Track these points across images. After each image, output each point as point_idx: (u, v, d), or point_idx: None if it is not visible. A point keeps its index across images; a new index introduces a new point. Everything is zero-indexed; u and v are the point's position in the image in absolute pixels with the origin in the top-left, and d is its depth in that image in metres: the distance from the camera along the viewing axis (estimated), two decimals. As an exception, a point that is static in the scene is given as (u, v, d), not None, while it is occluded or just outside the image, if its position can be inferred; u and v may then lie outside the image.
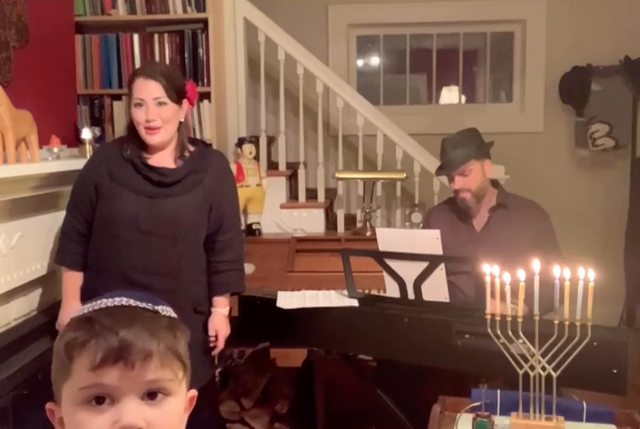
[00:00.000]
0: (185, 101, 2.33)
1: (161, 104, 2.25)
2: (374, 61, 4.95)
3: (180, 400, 0.87)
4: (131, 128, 2.33)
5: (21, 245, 2.31)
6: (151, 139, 2.27)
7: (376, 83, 4.87)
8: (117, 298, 0.87)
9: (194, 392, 0.94)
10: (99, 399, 0.82)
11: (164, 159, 2.33)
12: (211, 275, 2.39)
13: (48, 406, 0.88)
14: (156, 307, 0.89)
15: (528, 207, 2.71)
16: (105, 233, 2.31)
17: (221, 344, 2.38)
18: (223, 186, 2.39)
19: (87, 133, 2.89)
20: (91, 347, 0.81)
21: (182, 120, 2.34)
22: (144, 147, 2.32)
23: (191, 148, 2.37)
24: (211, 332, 2.37)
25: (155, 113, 2.24)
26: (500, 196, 2.73)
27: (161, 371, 0.83)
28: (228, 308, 2.44)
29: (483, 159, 2.67)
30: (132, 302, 0.87)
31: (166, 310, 0.90)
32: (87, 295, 2.35)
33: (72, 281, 2.38)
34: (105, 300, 0.88)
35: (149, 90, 2.24)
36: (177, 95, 2.28)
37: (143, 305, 0.88)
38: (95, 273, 2.35)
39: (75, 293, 2.36)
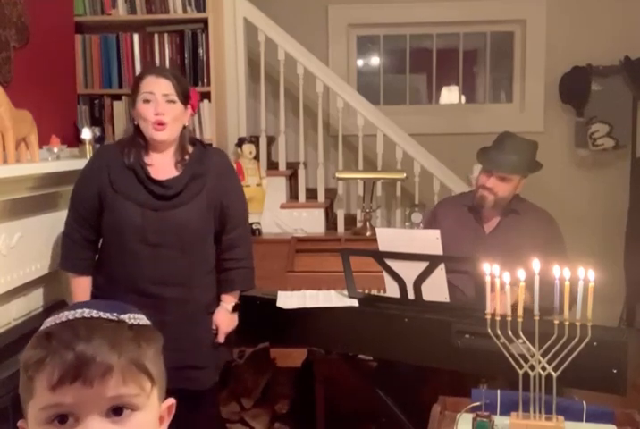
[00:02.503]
0: (189, 106, 2.34)
1: (170, 101, 2.25)
2: (374, 61, 4.94)
3: (149, 414, 0.84)
4: (134, 129, 2.32)
5: (20, 245, 2.31)
6: (158, 135, 2.26)
7: (376, 83, 4.86)
8: (79, 310, 0.84)
9: (172, 401, 0.91)
10: (62, 419, 0.79)
11: (164, 167, 2.31)
12: (218, 273, 2.40)
13: (19, 424, 0.86)
14: (122, 316, 0.85)
15: (538, 214, 2.71)
16: (114, 245, 2.31)
17: (221, 339, 2.39)
18: (226, 186, 2.38)
19: (87, 133, 2.89)
20: (47, 365, 0.79)
21: (186, 124, 2.34)
22: (146, 150, 2.31)
23: (190, 150, 2.37)
24: (212, 326, 2.38)
25: (165, 108, 2.24)
26: (513, 202, 2.72)
27: (124, 387, 0.80)
28: (233, 304, 2.44)
29: (524, 178, 2.69)
30: (94, 313, 0.84)
31: (134, 318, 0.86)
32: None
33: (81, 286, 2.37)
34: (66, 313, 0.85)
35: (160, 86, 2.25)
36: (184, 97, 2.29)
37: (107, 315, 0.84)
38: (106, 281, 2.35)
39: (85, 297, 2.35)
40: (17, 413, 2.29)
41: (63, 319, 0.84)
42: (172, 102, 2.26)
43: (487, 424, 1.79)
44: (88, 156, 2.81)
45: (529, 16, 4.57)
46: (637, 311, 4.37)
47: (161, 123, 2.24)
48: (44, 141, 2.54)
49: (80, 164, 2.61)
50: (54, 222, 2.56)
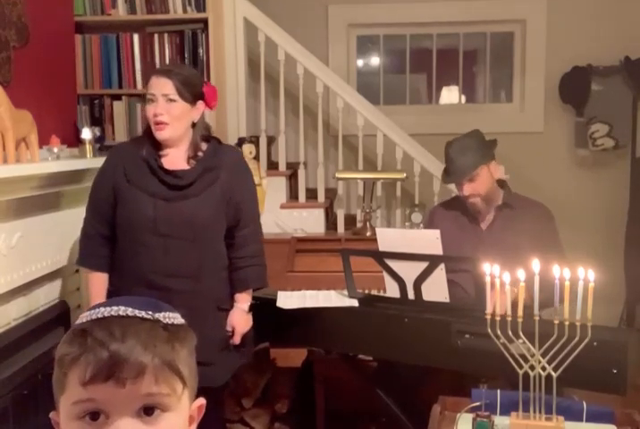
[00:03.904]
0: (200, 102, 2.35)
1: (170, 100, 2.28)
2: (374, 61, 4.94)
3: (180, 416, 0.84)
4: (147, 127, 2.36)
5: (20, 245, 2.31)
6: (159, 135, 2.30)
7: (376, 83, 4.86)
8: (115, 307, 0.84)
9: (202, 401, 0.91)
10: (94, 415, 0.80)
11: (177, 160, 2.34)
12: (231, 271, 2.40)
13: (52, 415, 0.87)
14: (158, 315, 0.85)
15: (533, 207, 2.71)
16: (126, 237, 2.33)
17: (236, 340, 2.38)
18: (239, 181, 2.39)
19: (87, 133, 2.89)
20: (82, 362, 0.79)
21: (196, 120, 2.35)
22: (157, 145, 2.34)
23: (204, 147, 2.38)
24: (228, 328, 2.38)
25: (164, 108, 2.27)
26: (505, 196, 2.72)
27: (156, 386, 0.80)
28: (248, 304, 2.44)
29: (489, 162, 2.67)
30: (130, 311, 0.84)
31: (169, 317, 0.86)
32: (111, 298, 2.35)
33: (98, 282, 2.39)
34: (102, 309, 0.84)
35: (160, 86, 2.28)
36: (190, 94, 2.30)
37: (142, 314, 0.84)
38: (118, 276, 2.37)
39: (101, 294, 2.36)
40: (17, 413, 2.29)
41: (99, 316, 0.84)
42: (173, 101, 2.28)
43: (487, 424, 1.79)
44: (89, 156, 2.84)
45: (529, 16, 4.57)
46: (637, 311, 4.37)
47: (160, 123, 2.28)
48: (44, 141, 2.54)
49: (80, 164, 2.62)
50: (55, 221, 2.56)
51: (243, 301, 2.42)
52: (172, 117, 2.28)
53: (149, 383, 0.80)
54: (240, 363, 2.49)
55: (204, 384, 0.92)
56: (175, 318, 0.88)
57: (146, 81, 2.39)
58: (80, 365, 0.79)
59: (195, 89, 2.33)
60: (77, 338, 0.82)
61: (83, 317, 0.86)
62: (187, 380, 0.85)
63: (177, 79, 2.29)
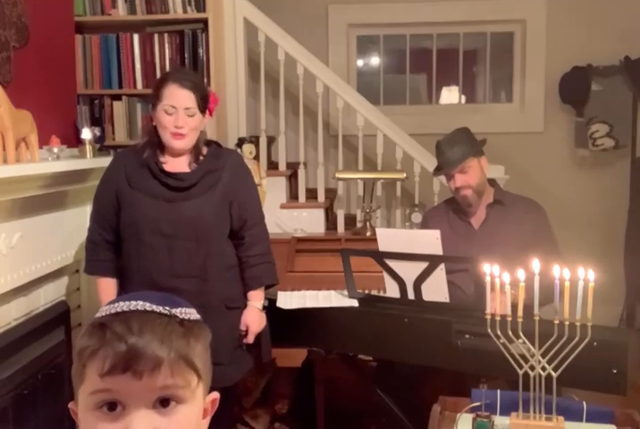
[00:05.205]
0: (207, 112, 2.37)
1: (190, 115, 2.28)
2: (374, 61, 4.95)
3: (194, 408, 0.86)
4: (152, 131, 2.35)
5: (20, 245, 2.31)
6: (177, 144, 2.31)
7: (376, 83, 4.87)
8: (134, 302, 0.86)
9: (215, 395, 0.93)
10: (111, 406, 0.82)
11: (179, 164, 2.36)
12: (243, 270, 2.41)
13: (70, 405, 0.89)
14: (174, 310, 0.87)
15: (524, 203, 2.73)
16: (131, 240, 2.34)
17: (250, 339, 2.38)
18: (242, 183, 2.41)
19: (87, 133, 2.89)
20: (100, 355, 0.82)
21: (203, 129, 2.38)
22: (162, 150, 2.35)
23: (204, 151, 2.40)
24: (242, 327, 2.38)
25: (184, 121, 2.28)
26: (496, 193, 2.74)
27: (171, 379, 0.82)
28: (262, 301, 2.44)
29: (479, 156, 2.69)
30: (148, 306, 0.86)
31: (186, 312, 0.88)
32: None
33: (107, 287, 2.40)
34: (121, 303, 0.87)
35: (183, 99, 2.28)
36: (204, 105, 2.33)
37: (160, 309, 0.86)
38: (125, 280, 2.38)
39: (110, 298, 2.35)
40: (17, 413, 2.29)
41: (118, 310, 0.86)
42: (193, 114, 2.29)
43: (487, 425, 1.79)
44: (89, 156, 2.84)
45: (529, 16, 4.57)
46: (637, 311, 4.37)
47: (180, 134, 2.29)
48: (44, 141, 2.54)
49: (80, 165, 2.62)
50: (55, 222, 2.56)
51: (257, 299, 2.42)
52: (191, 129, 2.30)
53: (165, 376, 0.82)
54: (250, 363, 2.48)
55: (213, 385, 0.92)
56: (191, 314, 0.90)
57: (158, 85, 2.33)
58: (98, 357, 0.82)
59: (206, 99, 2.35)
60: (96, 331, 0.84)
61: (103, 311, 0.88)
62: (202, 373, 0.87)
63: (199, 92, 2.30)
